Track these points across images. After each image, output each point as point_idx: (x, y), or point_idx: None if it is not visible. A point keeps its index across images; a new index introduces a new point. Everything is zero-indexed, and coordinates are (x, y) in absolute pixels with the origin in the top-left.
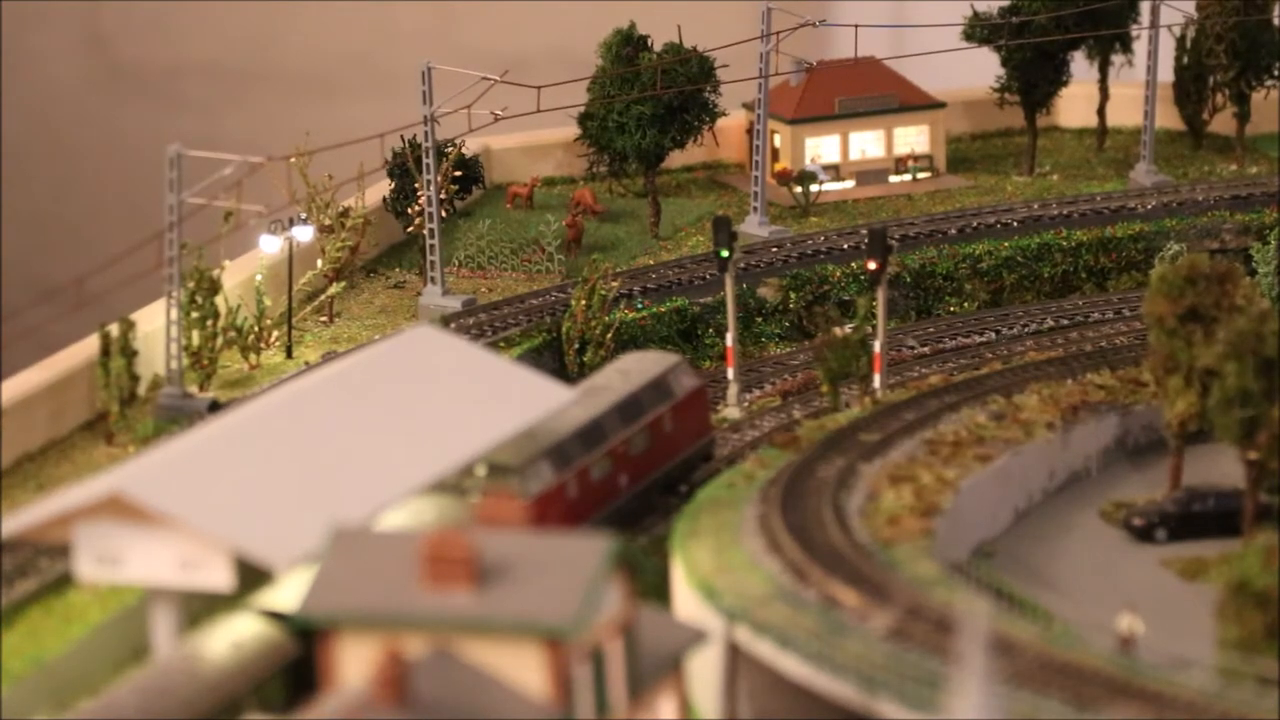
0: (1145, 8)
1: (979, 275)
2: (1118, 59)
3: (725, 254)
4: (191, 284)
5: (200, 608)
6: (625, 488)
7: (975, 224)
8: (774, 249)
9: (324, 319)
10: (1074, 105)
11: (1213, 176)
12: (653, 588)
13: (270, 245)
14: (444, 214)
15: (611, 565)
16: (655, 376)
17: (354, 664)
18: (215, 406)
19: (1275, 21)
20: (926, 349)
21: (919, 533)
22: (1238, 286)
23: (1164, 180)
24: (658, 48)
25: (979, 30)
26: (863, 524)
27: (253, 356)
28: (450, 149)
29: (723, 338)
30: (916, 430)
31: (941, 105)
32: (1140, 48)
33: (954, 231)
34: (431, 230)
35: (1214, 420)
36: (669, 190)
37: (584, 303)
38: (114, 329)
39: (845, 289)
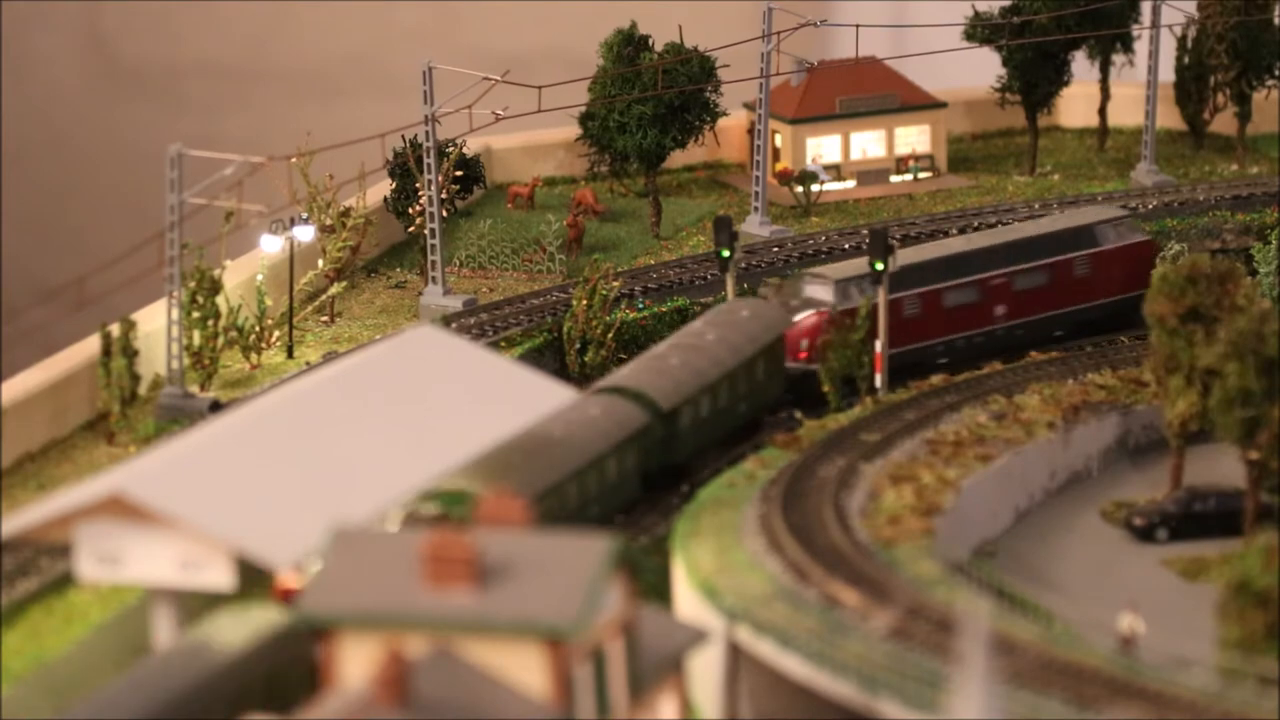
0: (1146, 8)
1: None
2: (1119, 59)
3: (726, 254)
4: (192, 284)
5: (200, 607)
6: (1002, 318)
7: (976, 224)
8: (775, 249)
9: (325, 319)
10: (1075, 105)
11: (1214, 176)
12: (654, 588)
13: (271, 245)
14: (445, 214)
15: (612, 565)
16: (1081, 225)
17: (355, 664)
18: (216, 406)
19: (1276, 21)
20: None
21: (920, 532)
22: (1239, 286)
23: (1165, 180)
24: (659, 47)
25: (980, 30)
26: (864, 524)
27: (254, 356)
28: (451, 149)
29: None
30: (917, 430)
31: (942, 105)
32: (1141, 48)
33: (955, 231)
34: (432, 230)
35: (1215, 420)
36: (670, 190)
37: (585, 302)
38: (115, 329)
39: None
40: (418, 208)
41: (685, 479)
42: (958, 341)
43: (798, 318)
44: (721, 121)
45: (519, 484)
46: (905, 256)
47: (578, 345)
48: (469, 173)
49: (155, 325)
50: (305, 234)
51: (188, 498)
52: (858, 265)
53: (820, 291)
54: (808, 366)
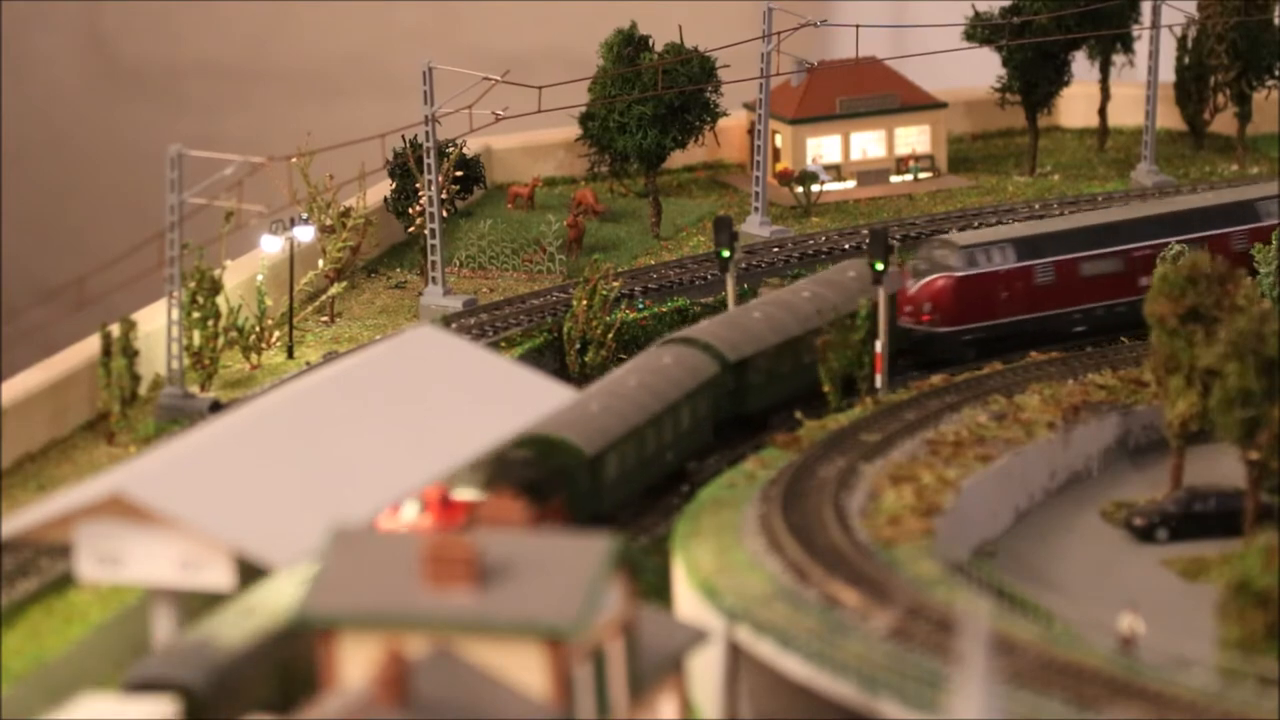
0: (1146, 8)
1: None
2: (1119, 59)
3: (726, 254)
4: (193, 284)
5: (200, 607)
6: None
7: (977, 224)
8: (775, 249)
9: (325, 319)
10: (1075, 105)
11: (1214, 177)
12: (654, 588)
13: (271, 245)
14: (445, 214)
15: (612, 565)
16: (1242, 200)
17: (355, 664)
18: (216, 406)
19: (1276, 21)
20: None
21: (920, 532)
22: (1239, 286)
23: (1165, 180)
24: (659, 48)
25: (980, 30)
26: (864, 524)
27: (254, 356)
28: (451, 149)
29: None
30: (918, 430)
31: (943, 105)
32: (1141, 48)
33: (955, 231)
34: (433, 230)
35: (1215, 420)
36: (670, 190)
37: (585, 303)
38: (115, 329)
39: None
40: (418, 208)
41: (761, 430)
42: (1097, 310)
43: (924, 280)
44: (721, 121)
45: (599, 428)
46: (1044, 225)
47: (578, 345)
48: (469, 173)
49: (155, 325)
50: (305, 234)
51: (188, 498)
52: (990, 233)
53: (947, 257)
54: (932, 329)
